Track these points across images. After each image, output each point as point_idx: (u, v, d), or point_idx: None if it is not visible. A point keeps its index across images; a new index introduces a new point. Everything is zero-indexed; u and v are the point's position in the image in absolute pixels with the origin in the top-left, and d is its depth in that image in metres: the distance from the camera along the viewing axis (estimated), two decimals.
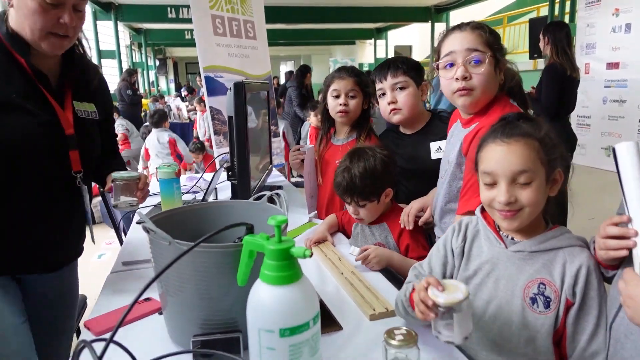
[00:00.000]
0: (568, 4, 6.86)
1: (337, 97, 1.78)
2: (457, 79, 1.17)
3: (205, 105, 6.44)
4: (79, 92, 1.27)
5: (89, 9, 8.92)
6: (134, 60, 13.53)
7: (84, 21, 1.18)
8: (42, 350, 1.26)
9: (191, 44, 13.05)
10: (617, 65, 6.03)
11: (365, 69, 15.90)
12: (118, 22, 9.71)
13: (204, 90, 3.17)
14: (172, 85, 18.64)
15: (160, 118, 5.14)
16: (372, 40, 15.10)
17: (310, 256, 0.75)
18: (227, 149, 2.92)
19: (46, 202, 1.21)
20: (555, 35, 3.09)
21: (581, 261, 0.88)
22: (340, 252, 1.42)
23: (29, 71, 1.14)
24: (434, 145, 1.60)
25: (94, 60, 6.36)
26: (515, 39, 8.69)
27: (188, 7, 9.12)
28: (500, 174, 0.89)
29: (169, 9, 9.45)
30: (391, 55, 14.75)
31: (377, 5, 10.56)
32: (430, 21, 10.95)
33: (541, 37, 3.26)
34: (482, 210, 0.99)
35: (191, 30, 11.43)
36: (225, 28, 3.21)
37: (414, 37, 15.35)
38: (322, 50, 19.66)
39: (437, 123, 1.66)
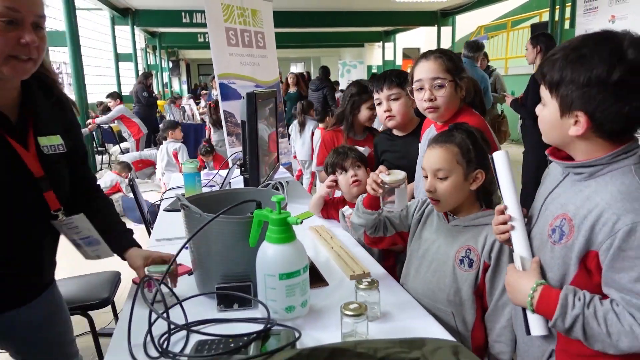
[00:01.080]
0: (568, 10, 7.08)
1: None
2: (425, 100, 1.48)
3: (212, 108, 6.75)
4: (40, 124, 1.13)
5: (107, 14, 9.34)
6: (149, 63, 13.96)
7: (46, 42, 1.05)
8: None
9: (204, 46, 13.35)
10: None
11: (374, 70, 16.20)
12: (135, 26, 10.13)
13: (218, 95, 3.49)
14: (185, 87, 19.08)
15: (166, 128, 5.28)
16: (381, 43, 15.38)
17: (300, 223, 1.07)
18: (239, 149, 3.27)
19: (27, 244, 1.15)
20: (541, 43, 3.36)
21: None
22: (333, 233, 1.73)
23: None
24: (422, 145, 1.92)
25: (112, 64, 6.75)
26: (518, 43, 8.92)
27: (202, 12, 9.52)
28: (427, 169, 1.21)
29: (183, 13, 9.83)
30: (399, 57, 15.01)
31: (385, 9, 10.85)
32: (436, 25, 11.21)
33: (530, 46, 3.53)
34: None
35: (204, 34, 11.85)
36: (238, 39, 3.54)
37: (421, 40, 15.56)
38: (332, 52, 20.00)
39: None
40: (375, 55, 16.35)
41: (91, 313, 2.00)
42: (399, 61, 15.32)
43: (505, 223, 1.01)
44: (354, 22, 11.57)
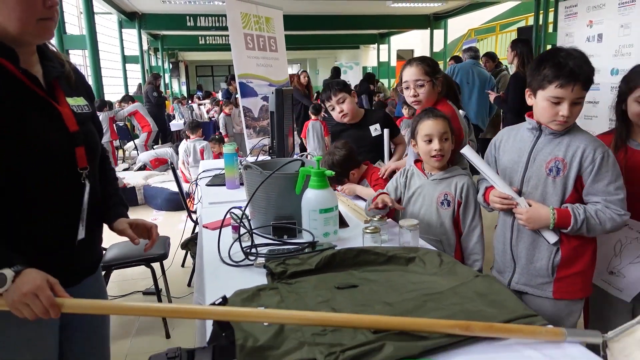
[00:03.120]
0: (551, 15, 7.61)
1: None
2: (410, 96, 1.98)
3: (222, 107, 7.24)
4: (64, 85, 1.19)
5: (115, 18, 9.77)
6: (151, 64, 14.38)
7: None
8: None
9: (204, 48, 13.66)
10: None
11: (369, 71, 16.73)
12: (141, 30, 10.56)
13: (238, 93, 3.96)
14: (184, 88, 19.51)
15: (190, 129, 5.74)
16: (376, 45, 15.89)
17: (333, 175, 1.55)
18: (256, 140, 3.78)
19: (55, 203, 1.14)
20: (519, 49, 3.87)
21: (464, 181, 1.68)
22: (353, 202, 2.21)
23: (19, 75, 1.05)
24: (372, 128, 2.59)
25: (119, 65, 7.31)
26: (507, 45, 9.43)
27: (206, 15, 10.00)
28: (434, 134, 1.68)
29: (187, 17, 10.28)
30: (394, 58, 15.54)
31: (379, 13, 11.36)
32: (429, 28, 11.72)
33: (509, 50, 4.04)
34: (415, 162, 1.79)
35: (205, 36, 12.29)
36: (254, 43, 4.02)
37: (415, 41, 16.09)
38: (328, 54, 20.52)
39: (369, 115, 2.67)
40: (371, 57, 16.86)
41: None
42: (394, 62, 15.85)
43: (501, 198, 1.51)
44: (350, 25, 12.06)
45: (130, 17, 10.01)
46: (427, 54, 12.62)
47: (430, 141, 1.69)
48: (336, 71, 8.61)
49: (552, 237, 1.46)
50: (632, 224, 1.54)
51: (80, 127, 1.16)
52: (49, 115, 1.11)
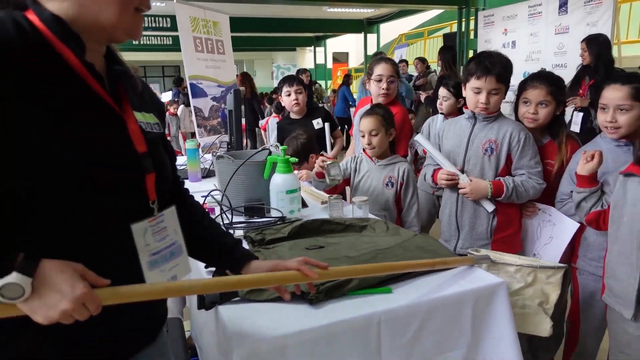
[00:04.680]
0: (472, 23, 8.36)
1: (527, 104, 1.89)
2: (382, 88, 2.32)
3: (167, 107, 7.27)
4: (133, 99, 0.90)
5: None
6: None
7: None
8: None
9: (139, 48, 13.30)
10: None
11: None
12: None
13: (189, 93, 4.14)
14: None
15: None
16: (312, 47, 16.31)
17: (295, 162, 1.84)
18: (208, 139, 4.00)
19: (118, 247, 0.82)
20: (445, 55, 4.37)
21: (405, 166, 2.03)
22: (309, 188, 2.50)
23: (80, 69, 0.77)
24: (314, 122, 2.97)
25: None
26: (434, 50, 10.17)
27: (161, 16, 9.81)
28: (365, 130, 2.03)
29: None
30: (330, 61, 16.05)
31: (315, 17, 11.78)
32: (363, 32, 12.30)
33: (438, 56, 4.54)
34: (363, 150, 2.13)
35: (155, 36, 12.07)
36: (203, 46, 4.21)
37: (350, 45, 16.68)
38: (265, 55, 20.68)
39: (312, 111, 3.02)
40: (307, 59, 17.24)
41: None
42: (330, 64, 16.37)
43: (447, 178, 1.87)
44: (287, 28, 12.36)
45: None
46: (362, 58, 13.24)
47: (364, 136, 2.04)
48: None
49: (489, 206, 1.84)
50: (544, 207, 1.90)
51: (149, 148, 0.87)
52: (114, 128, 0.82)
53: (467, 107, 1.91)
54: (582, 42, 3.76)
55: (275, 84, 12.62)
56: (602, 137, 1.73)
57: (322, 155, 2.58)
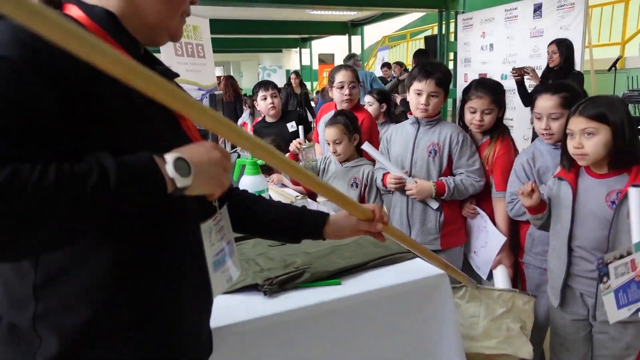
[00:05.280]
0: (452, 25, 8.53)
1: (473, 112, 1.97)
2: (344, 94, 2.43)
3: None
4: None
5: None
6: None
7: None
8: None
9: None
10: (485, 75, 7.74)
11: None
12: None
13: None
14: None
15: None
16: (298, 49, 16.42)
17: (263, 164, 1.95)
18: None
19: (197, 249, 0.82)
20: (420, 60, 4.51)
21: (370, 168, 2.15)
22: (280, 189, 2.61)
23: None
24: (289, 125, 3.05)
25: None
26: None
27: None
28: (329, 139, 2.15)
29: None
30: (315, 62, 16.16)
31: (300, 19, 11.89)
32: (347, 34, 12.45)
33: (413, 61, 4.67)
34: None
35: None
36: (183, 50, 4.29)
37: (336, 46, 16.77)
38: (251, 57, 20.74)
39: (286, 114, 3.11)
40: (293, 60, 17.33)
41: None
42: (315, 66, 16.46)
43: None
44: (272, 30, 12.47)
45: None
46: None
47: (329, 144, 2.16)
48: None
49: (434, 204, 1.97)
50: (482, 213, 2.02)
51: None
52: (172, 125, 0.82)
53: (411, 113, 2.02)
54: (550, 44, 3.93)
55: None
56: (539, 140, 1.85)
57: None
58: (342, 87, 2.45)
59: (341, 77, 2.46)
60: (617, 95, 3.98)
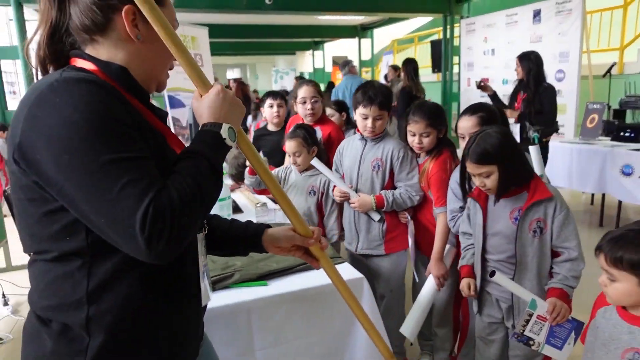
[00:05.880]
0: (457, 30, 8.59)
1: (413, 136, 2.07)
2: (307, 109, 2.59)
3: None
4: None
5: None
6: None
7: None
8: None
9: None
10: (486, 80, 7.78)
11: (306, 77, 17.44)
12: None
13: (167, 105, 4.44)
14: None
15: None
16: (311, 51, 16.62)
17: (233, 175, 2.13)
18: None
19: (194, 254, 0.98)
20: (407, 68, 4.64)
21: (326, 178, 2.30)
22: (252, 195, 2.80)
23: (150, 116, 0.91)
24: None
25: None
26: (423, 56, 10.41)
27: None
28: (289, 151, 2.31)
29: None
30: (329, 64, 16.34)
31: (311, 24, 12.11)
32: (357, 37, 12.59)
33: (402, 67, 4.79)
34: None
35: None
36: None
37: (350, 49, 16.88)
38: (267, 59, 21.07)
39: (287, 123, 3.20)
40: (307, 63, 17.55)
41: None
42: (329, 68, 16.63)
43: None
44: (285, 33, 12.72)
45: None
46: (357, 62, 13.54)
47: (289, 155, 2.33)
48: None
49: (376, 216, 2.12)
50: (410, 229, 2.12)
51: None
52: (171, 153, 0.93)
53: (359, 130, 2.16)
54: (516, 58, 4.04)
55: (275, 87, 12.98)
56: None
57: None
58: (304, 102, 2.59)
59: (303, 92, 2.59)
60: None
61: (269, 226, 1.19)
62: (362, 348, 1.53)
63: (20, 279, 3.21)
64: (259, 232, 1.16)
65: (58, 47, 0.87)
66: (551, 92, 3.75)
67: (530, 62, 3.78)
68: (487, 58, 7.67)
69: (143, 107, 0.89)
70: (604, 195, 4.33)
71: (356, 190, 2.14)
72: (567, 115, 5.96)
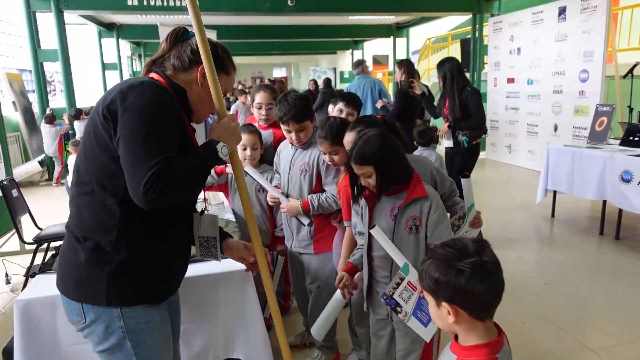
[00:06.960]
0: (486, 29, 8.37)
1: (325, 154, 2.11)
2: (262, 114, 2.69)
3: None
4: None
5: (94, 28, 10.50)
6: (134, 70, 15.11)
7: None
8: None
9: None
10: (512, 80, 7.55)
11: (346, 77, 17.49)
12: (120, 39, 11.31)
13: None
14: None
15: None
16: (351, 51, 16.66)
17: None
18: None
19: (189, 216, 1.43)
20: (406, 67, 4.61)
21: (271, 175, 2.40)
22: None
23: (188, 121, 1.34)
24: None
25: (99, 72, 8.11)
26: (457, 54, 10.20)
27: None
28: (247, 144, 2.41)
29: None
30: (369, 63, 16.27)
31: (348, 24, 12.17)
32: (392, 36, 12.50)
33: (397, 69, 4.74)
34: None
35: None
36: None
37: (389, 47, 16.75)
38: (309, 58, 21.33)
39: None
40: (347, 62, 17.60)
41: None
42: (370, 67, 16.60)
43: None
44: (324, 33, 12.85)
45: (109, 28, 10.75)
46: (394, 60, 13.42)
47: (245, 149, 2.43)
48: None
49: (305, 220, 2.19)
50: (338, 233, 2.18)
51: None
52: (189, 134, 1.36)
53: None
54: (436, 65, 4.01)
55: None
56: None
57: None
58: (260, 108, 2.66)
59: (259, 98, 2.66)
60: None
61: (231, 236, 1.60)
62: (255, 330, 1.64)
63: (26, 263, 3.53)
64: (221, 239, 1.55)
65: (154, 65, 1.36)
66: (476, 95, 3.67)
67: (445, 69, 3.74)
68: (513, 57, 7.43)
69: (184, 113, 1.31)
70: (604, 202, 4.12)
71: (287, 195, 2.23)
72: (589, 118, 5.64)
